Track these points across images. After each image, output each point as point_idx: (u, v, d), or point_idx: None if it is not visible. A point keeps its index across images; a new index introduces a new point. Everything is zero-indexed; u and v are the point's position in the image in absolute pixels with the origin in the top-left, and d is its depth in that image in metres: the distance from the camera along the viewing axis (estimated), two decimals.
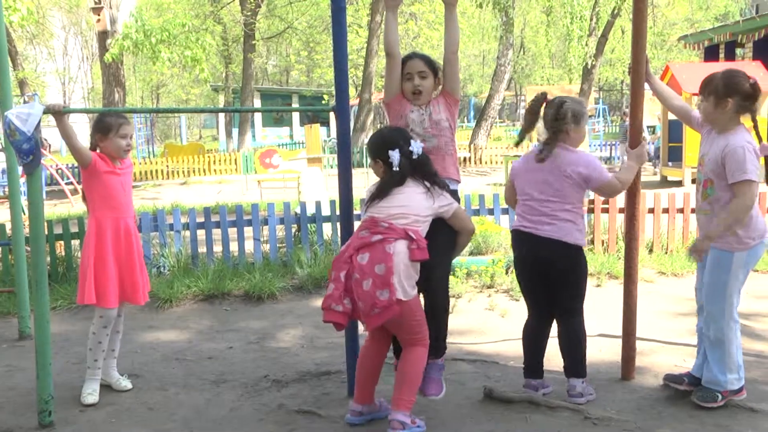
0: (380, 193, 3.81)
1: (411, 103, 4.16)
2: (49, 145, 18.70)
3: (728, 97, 3.90)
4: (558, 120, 4.05)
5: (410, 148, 3.81)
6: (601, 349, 5.16)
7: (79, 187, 17.22)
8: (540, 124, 4.23)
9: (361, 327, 4.46)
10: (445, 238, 3.96)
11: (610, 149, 23.57)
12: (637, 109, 4.39)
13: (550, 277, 4.12)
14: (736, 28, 20.02)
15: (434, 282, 3.95)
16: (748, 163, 3.80)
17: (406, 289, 3.63)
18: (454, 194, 4.10)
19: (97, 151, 4.52)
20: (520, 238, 4.20)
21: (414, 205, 3.76)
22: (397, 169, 3.78)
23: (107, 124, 4.49)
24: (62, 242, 7.61)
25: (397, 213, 3.73)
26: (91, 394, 4.49)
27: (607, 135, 31.21)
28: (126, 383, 4.70)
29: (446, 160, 4.15)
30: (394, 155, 3.77)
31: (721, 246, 3.97)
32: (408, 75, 4.15)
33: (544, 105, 4.19)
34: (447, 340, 4.12)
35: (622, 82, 45.37)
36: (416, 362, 3.80)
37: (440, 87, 4.24)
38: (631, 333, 4.51)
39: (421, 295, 3.97)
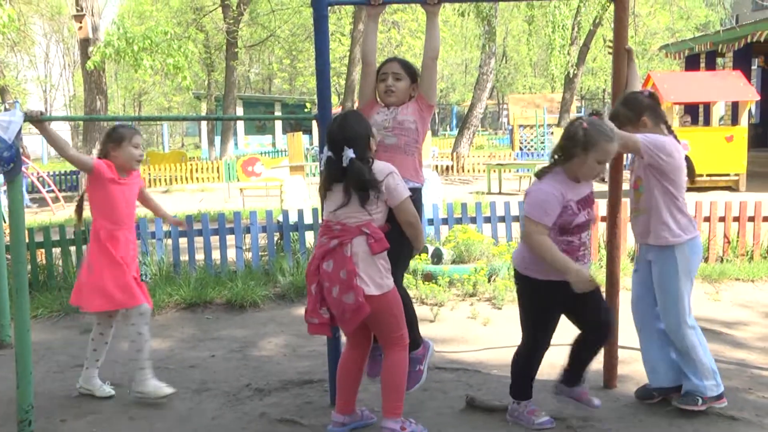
0: (323, 189, 3.80)
1: (380, 106, 4.16)
2: (28, 155, 18.52)
3: (641, 116, 4.10)
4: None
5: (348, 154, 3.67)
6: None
7: (60, 195, 17.14)
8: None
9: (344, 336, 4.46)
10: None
11: None
12: None
13: None
14: (717, 38, 20.20)
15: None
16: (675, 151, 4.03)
17: (377, 282, 3.65)
18: (415, 194, 4.00)
19: (106, 159, 4.55)
20: None
21: (357, 204, 3.69)
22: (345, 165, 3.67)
23: (120, 134, 4.53)
24: (43, 250, 7.55)
25: (344, 213, 3.69)
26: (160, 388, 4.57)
27: None
28: (108, 390, 4.69)
29: (405, 161, 4.05)
30: (348, 153, 3.66)
31: (660, 243, 4.06)
32: (383, 75, 4.15)
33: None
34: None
35: (603, 90, 45.68)
36: (398, 367, 3.80)
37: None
38: (613, 342, 4.53)
39: None
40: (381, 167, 3.70)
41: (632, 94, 4.22)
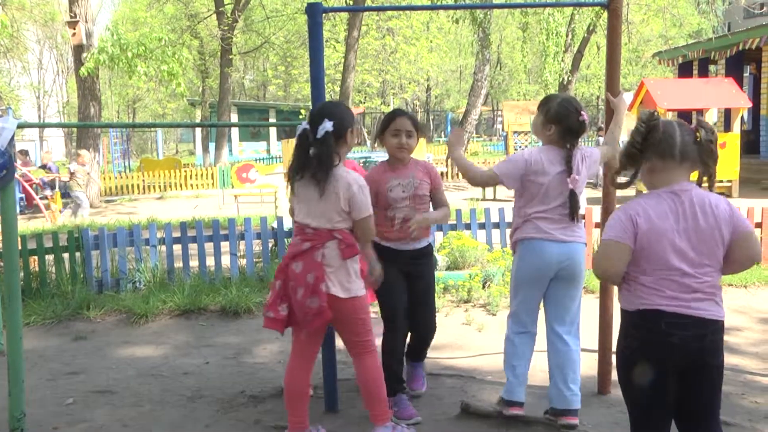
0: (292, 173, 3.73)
1: (389, 173, 4.27)
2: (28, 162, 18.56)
3: (553, 123, 3.96)
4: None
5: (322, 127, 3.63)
6: None
7: (52, 205, 17.08)
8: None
9: (340, 343, 4.46)
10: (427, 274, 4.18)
11: None
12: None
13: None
14: (709, 45, 20.30)
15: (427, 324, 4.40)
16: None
17: (345, 287, 3.66)
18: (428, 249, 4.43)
19: None
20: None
21: (332, 209, 3.65)
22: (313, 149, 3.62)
23: None
24: (36, 257, 7.53)
25: (314, 215, 3.67)
26: None
27: None
28: None
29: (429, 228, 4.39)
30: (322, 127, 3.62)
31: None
32: (396, 132, 4.24)
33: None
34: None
35: (597, 97, 45.78)
36: (371, 372, 3.81)
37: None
38: (607, 347, 4.54)
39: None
40: (353, 176, 3.67)
41: (571, 104, 4.01)
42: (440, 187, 4.41)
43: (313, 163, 3.60)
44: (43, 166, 20.11)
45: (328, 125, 3.59)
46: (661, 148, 2.79)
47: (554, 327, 4.08)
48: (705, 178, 2.86)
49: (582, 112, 3.93)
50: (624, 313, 2.92)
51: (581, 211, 3.97)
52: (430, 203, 4.39)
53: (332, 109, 3.73)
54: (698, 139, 2.78)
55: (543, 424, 4.09)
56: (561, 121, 3.92)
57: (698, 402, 2.86)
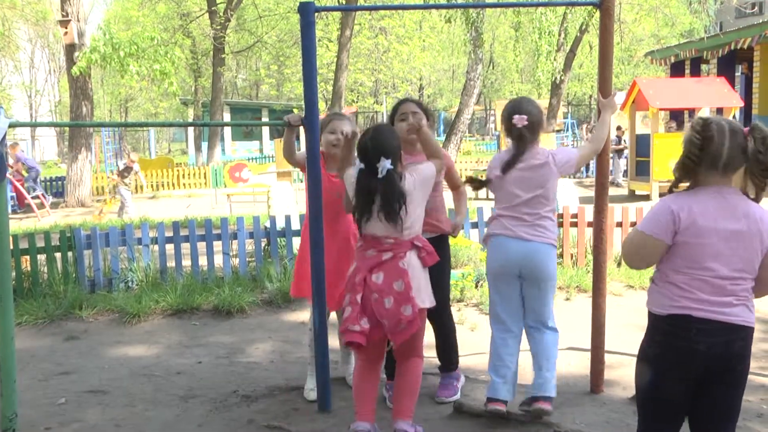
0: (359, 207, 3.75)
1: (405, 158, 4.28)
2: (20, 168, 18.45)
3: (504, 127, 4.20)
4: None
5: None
6: (570, 363, 5.19)
7: (46, 201, 17.03)
8: None
9: (334, 343, 4.47)
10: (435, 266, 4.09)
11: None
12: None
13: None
14: (701, 45, 20.35)
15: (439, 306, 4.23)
16: None
17: (429, 297, 3.78)
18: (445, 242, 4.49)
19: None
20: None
21: (406, 217, 3.70)
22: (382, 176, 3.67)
23: (321, 123, 4.46)
24: (28, 257, 7.51)
25: (396, 230, 3.69)
26: (312, 390, 4.54)
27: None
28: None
29: (441, 217, 4.46)
30: (386, 164, 3.67)
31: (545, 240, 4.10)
32: (403, 115, 4.38)
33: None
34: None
35: (590, 96, 45.87)
36: (416, 373, 3.88)
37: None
38: (599, 346, 4.55)
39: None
40: (409, 179, 3.75)
41: (513, 103, 4.22)
42: (453, 167, 4.56)
43: (382, 203, 3.65)
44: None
45: (387, 164, 3.63)
46: (709, 160, 2.72)
47: (527, 321, 4.24)
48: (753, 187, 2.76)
49: (514, 116, 4.02)
50: (652, 317, 2.88)
51: (557, 209, 4.07)
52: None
53: (383, 145, 3.70)
54: (746, 149, 2.69)
55: (538, 424, 4.10)
56: (504, 125, 4.14)
57: (717, 407, 2.82)
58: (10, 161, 17.18)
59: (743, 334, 2.76)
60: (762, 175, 2.72)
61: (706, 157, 2.71)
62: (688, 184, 2.82)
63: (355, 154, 3.85)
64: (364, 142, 3.74)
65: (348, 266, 3.97)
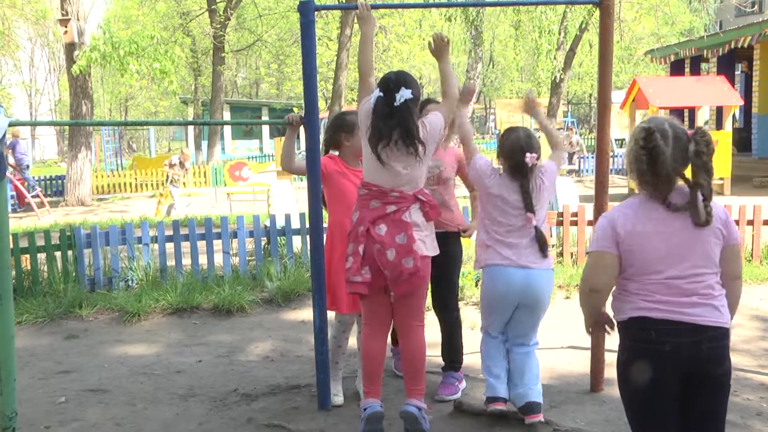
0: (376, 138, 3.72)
1: None
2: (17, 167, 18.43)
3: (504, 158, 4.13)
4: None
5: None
6: (571, 361, 5.19)
7: (45, 200, 17.02)
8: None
9: (328, 340, 4.46)
10: (444, 258, 4.12)
11: (579, 162, 23.77)
12: (605, 121, 4.44)
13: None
14: (701, 44, 20.35)
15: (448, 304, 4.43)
16: None
17: (433, 245, 3.80)
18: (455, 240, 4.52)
19: (335, 152, 4.48)
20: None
21: (415, 172, 3.75)
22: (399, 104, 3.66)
23: (352, 122, 4.33)
24: (28, 256, 7.50)
25: (402, 181, 3.72)
26: (336, 395, 4.51)
27: None
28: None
29: (451, 216, 4.47)
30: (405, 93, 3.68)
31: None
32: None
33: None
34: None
35: (590, 95, 45.84)
36: (422, 348, 3.89)
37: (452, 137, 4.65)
38: (599, 345, 4.55)
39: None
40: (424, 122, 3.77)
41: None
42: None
43: (397, 132, 3.65)
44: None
45: (407, 93, 3.65)
46: (657, 166, 2.68)
47: (511, 338, 4.20)
48: (697, 192, 2.69)
49: (527, 155, 3.90)
50: (618, 324, 2.86)
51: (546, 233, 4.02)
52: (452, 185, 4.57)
53: (408, 78, 3.75)
54: (688, 152, 2.67)
55: (536, 422, 4.10)
56: (509, 157, 3.98)
57: (701, 412, 2.76)
58: (11, 161, 17.16)
59: (712, 334, 2.67)
60: (705, 176, 2.68)
61: (661, 166, 2.67)
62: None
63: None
64: (388, 75, 3.77)
65: None
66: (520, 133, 3.99)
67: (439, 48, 3.98)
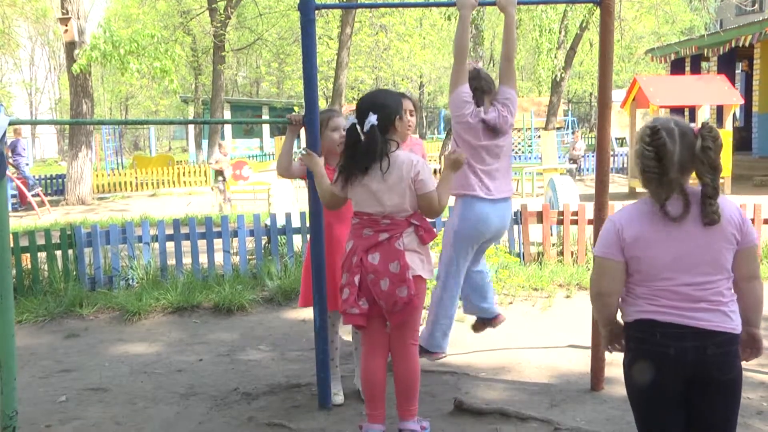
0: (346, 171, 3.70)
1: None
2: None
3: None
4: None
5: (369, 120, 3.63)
6: (571, 360, 5.19)
7: (46, 199, 17.03)
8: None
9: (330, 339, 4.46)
10: None
11: (580, 161, 23.78)
12: (605, 120, 4.44)
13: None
14: (701, 42, 20.35)
15: None
16: None
17: (427, 268, 3.78)
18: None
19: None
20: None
21: (404, 193, 3.66)
22: (365, 135, 3.62)
23: (323, 119, 4.35)
24: (28, 254, 7.51)
25: (393, 206, 3.66)
26: (336, 394, 4.51)
27: None
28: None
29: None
30: (371, 119, 3.63)
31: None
32: (411, 111, 4.55)
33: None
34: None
35: (590, 94, 45.84)
36: (414, 367, 3.83)
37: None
38: (600, 343, 4.54)
39: None
40: (414, 156, 3.71)
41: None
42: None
43: (365, 157, 3.62)
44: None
45: (372, 119, 3.61)
46: (665, 166, 2.62)
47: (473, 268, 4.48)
48: (704, 190, 2.62)
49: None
50: (625, 326, 2.84)
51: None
52: None
53: (375, 101, 3.70)
54: (695, 148, 2.61)
55: (536, 419, 4.10)
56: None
57: (707, 418, 2.72)
58: (12, 160, 17.16)
59: (719, 339, 2.63)
60: (710, 174, 2.62)
61: (669, 165, 2.61)
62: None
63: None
64: (360, 99, 3.79)
65: None
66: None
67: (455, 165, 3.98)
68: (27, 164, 18.84)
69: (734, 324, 2.67)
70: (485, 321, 4.69)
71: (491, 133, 4.22)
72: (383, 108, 3.65)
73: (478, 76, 4.36)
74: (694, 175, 2.69)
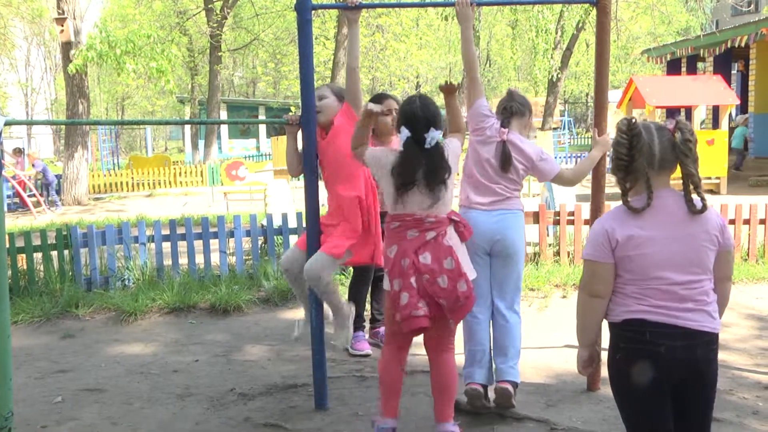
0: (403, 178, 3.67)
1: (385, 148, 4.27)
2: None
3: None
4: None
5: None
6: (567, 360, 5.19)
7: (42, 200, 17.00)
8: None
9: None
10: None
11: (576, 161, 23.83)
12: (601, 120, 4.45)
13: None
14: (698, 43, 20.40)
15: None
16: None
17: (470, 272, 3.74)
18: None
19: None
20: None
21: (446, 192, 3.70)
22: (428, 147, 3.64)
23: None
24: (24, 255, 7.49)
25: (436, 205, 3.67)
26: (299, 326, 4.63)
27: (572, 147, 31.53)
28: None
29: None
30: (435, 134, 3.64)
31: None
32: (389, 111, 4.87)
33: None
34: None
35: (587, 94, 45.90)
36: (452, 371, 3.82)
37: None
38: (597, 344, 4.54)
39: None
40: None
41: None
42: None
43: (433, 177, 3.62)
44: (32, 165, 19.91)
45: (436, 134, 3.61)
46: (643, 159, 2.68)
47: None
48: (689, 182, 2.70)
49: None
50: (610, 326, 2.84)
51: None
52: None
53: (435, 114, 3.68)
54: (675, 142, 2.69)
55: (533, 420, 4.11)
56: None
57: (692, 411, 2.76)
58: (14, 161, 17.13)
59: (705, 339, 2.68)
60: (694, 165, 2.69)
61: (638, 156, 2.68)
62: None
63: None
64: (412, 111, 3.67)
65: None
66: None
67: (450, 90, 3.96)
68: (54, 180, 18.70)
69: (717, 324, 2.74)
70: (485, 388, 4.25)
71: (504, 161, 4.20)
72: (441, 121, 3.69)
73: (511, 97, 4.38)
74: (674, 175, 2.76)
